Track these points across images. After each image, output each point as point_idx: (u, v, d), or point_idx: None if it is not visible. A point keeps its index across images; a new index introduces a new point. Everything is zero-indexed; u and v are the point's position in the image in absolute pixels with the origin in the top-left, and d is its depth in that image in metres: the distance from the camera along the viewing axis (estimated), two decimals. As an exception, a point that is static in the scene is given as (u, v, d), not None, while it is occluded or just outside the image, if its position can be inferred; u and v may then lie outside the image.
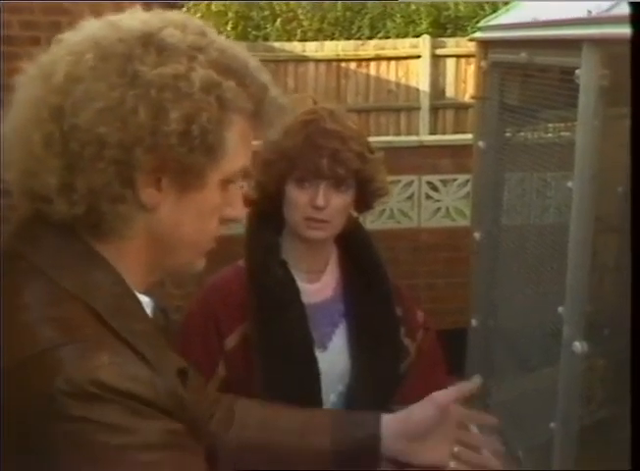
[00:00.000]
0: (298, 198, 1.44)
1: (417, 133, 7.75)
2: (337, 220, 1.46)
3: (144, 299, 0.89)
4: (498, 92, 2.11)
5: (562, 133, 1.79)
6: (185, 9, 8.39)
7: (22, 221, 0.85)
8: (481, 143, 2.19)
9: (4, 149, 0.83)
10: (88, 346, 0.74)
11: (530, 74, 1.88)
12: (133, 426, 0.72)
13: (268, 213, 1.51)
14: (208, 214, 0.87)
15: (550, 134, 1.92)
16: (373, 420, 1.13)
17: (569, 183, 1.56)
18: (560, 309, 1.61)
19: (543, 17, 1.74)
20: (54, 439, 0.70)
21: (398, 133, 7.87)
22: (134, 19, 0.84)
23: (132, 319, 0.82)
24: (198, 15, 8.64)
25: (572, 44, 1.53)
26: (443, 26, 9.76)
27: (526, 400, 2.02)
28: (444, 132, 7.80)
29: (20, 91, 0.83)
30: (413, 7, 9.99)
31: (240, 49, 0.87)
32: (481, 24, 2.20)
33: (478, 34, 2.18)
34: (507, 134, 2.15)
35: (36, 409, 0.71)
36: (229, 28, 8.63)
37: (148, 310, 0.90)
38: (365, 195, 1.51)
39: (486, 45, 2.14)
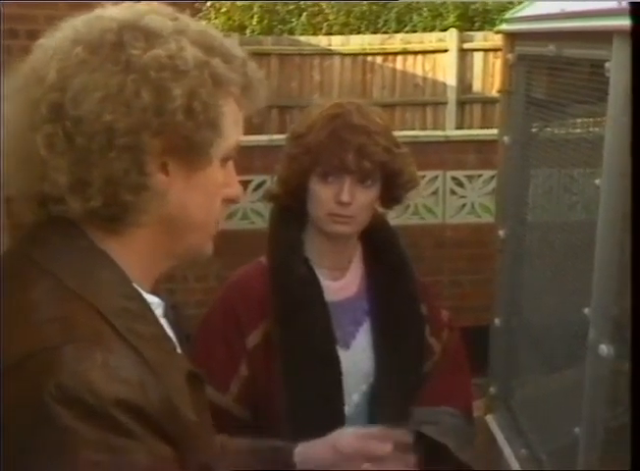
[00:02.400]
0: (323, 194, 1.41)
1: (443, 128, 7.69)
2: (362, 215, 1.43)
3: (154, 300, 0.88)
4: (524, 86, 2.06)
5: (591, 129, 1.73)
6: (209, 4, 8.41)
7: (31, 225, 0.85)
8: (506, 138, 2.14)
9: (4, 160, 0.83)
10: (84, 346, 0.73)
11: (558, 67, 1.83)
12: (118, 445, 0.71)
13: (291, 209, 1.49)
14: (213, 194, 0.89)
15: (578, 130, 1.86)
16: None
17: (597, 181, 1.51)
18: (586, 310, 1.56)
19: (571, 7, 1.69)
20: (38, 444, 0.69)
21: (424, 128, 7.81)
22: (112, 11, 0.84)
23: (137, 321, 0.81)
24: (224, 9, 8.66)
25: (602, 36, 1.47)
26: (470, 20, 9.67)
27: (550, 402, 1.97)
28: (470, 127, 7.72)
29: (8, 102, 0.83)
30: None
31: (213, 29, 0.89)
32: (508, 15, 2.15)
33: (504, 26, 2.13)
34: (534, 130, 2.10)
35: (28, 411, 0.70)
36: (254, 22, 8.63)
37: (159, 311, 0.89)
38: (393, 189, 1.48)
39: (513, 38, 2.08)
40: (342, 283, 1.50)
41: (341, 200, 1.39)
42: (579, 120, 1.85)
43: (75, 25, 0.84)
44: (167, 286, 4.27)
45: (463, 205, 4.46)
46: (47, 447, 0.70)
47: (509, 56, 2.07)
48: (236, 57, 0.87)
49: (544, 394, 2.03)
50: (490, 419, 2.32)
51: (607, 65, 1.44)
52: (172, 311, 0.95)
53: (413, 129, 7.68)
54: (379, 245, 1.54)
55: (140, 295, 0.85)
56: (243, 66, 0.88)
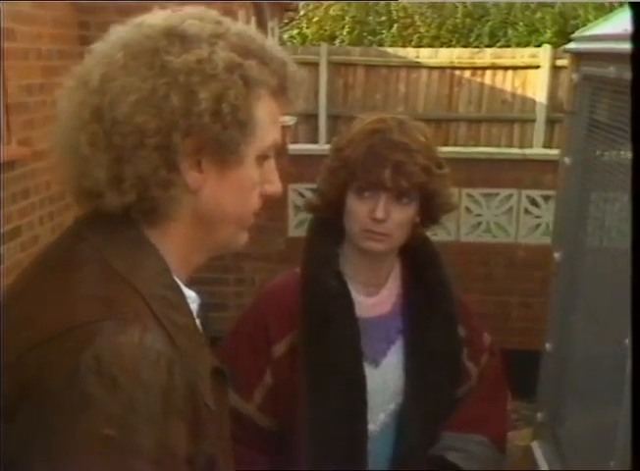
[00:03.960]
0: (358, 209, 1.39)
1: (531, 146, 7.51)
2: (397, 233, 1.40)
3: (191, 295, 0.92)
4: (588, 108, 2.00)
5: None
6: (302, 12, 8.54)
7: (84, 213, 0.91)
8: (567, 159, 2.09)
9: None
10: (124, 323, 0.78)
11: (620, 90, 1.77)
12: (129, 424, 0.75)
13: (329, 222, 1.47)
14: (248, 190, 0.91)
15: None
16: None
17: None
18: (627, 341, 1.51)
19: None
20: (63, 405, 0.74)
21: (510, 145, 7.66)
22: (157, 17, 0.89)
23: (173, 310, 0.85)
24: (316, 19, 8.78)
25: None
26: (568, 36, 9.39)
27: (592, 434, 1.90)
28: (559, 147, 7.49)
29: (62, 102, 0.89)
30: (539, 14, 9.69)
31: (255, 32, 0.92)
32: (575, 34, 2.09)
33: (571, 45, 2.08)
34: (597, 152, 2.03)
35: (63, 377, 0.75)
36: (345, 33, 8.70)
37: (194, 305, 0.93)
38: (430, 210, 1.44)
39: (578, 57, 2.03)
40: (376, 299, 1.47)
41: (375, 217, 1.37)
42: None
43: (120, 31, 0.89)
44: (237, 289, 4.41)
45: (538, 225, 4.34)
46: (68, 409, 0.74)
47: (574, 76, 2.02)
48: (274, 58, 0.90)
49: (588, 425, 1.97)
50: (535, 446, 2.26)
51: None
52: (201, 309, 0.98)
53: (499, 145, 7.55)
54: (418, 263, 1.50)
55: (179, 287, 0.89)
56: (282, 67, 0.90)
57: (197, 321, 0.93)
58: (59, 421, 0.74)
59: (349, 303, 1.42)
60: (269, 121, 0.90)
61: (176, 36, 0.85)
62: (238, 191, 0.90)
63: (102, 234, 0.87)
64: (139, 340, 0.77)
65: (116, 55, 0.85)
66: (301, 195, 4.30)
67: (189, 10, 0.90)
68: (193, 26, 0.86)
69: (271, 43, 0.92)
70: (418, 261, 1.50)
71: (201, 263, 0.96)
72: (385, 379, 1.44)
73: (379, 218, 1.37)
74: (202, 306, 0.98)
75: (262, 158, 0.91)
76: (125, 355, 0.76)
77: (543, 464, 2.19)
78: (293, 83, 0.92)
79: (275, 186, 0.96)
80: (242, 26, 0.93)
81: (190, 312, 0.90)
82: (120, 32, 0.89)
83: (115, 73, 0.84)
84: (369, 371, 1.42)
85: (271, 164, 0.95)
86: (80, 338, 0.76)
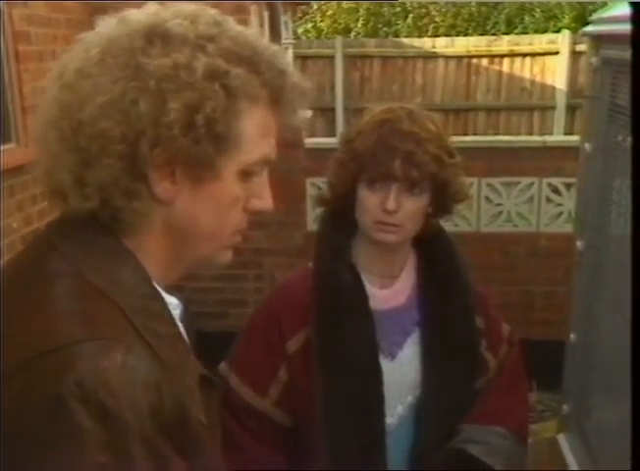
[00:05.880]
0: (369, 201, 1.37)
1: (551, 133, 7.42)
2: (409, 224, 1.38)
3: (172, 301, 0.88)
4: (608, 92, 1.95)
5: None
6: (315, 6, 8.50)
7: (58, 216, 0.86)
8: (587, 146, 2.04)
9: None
10: (105, 345, 0.74)
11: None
12: (125, 450, 0.72)
13: (341, 214, 1.45)
14: (227, 206, 0.85)
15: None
16: None
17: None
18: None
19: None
20: (51, 437, 0.70)
21: (530, 133, 7.58)
22: (145, 13, 0.83)
23: (156, 321, 0.81)
24: (330, 12, 8.73)
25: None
26: (587, 22, 9.26)
27: (622, 427, 1.86)
28: (580, 133, 7.38)
29: (46, 90, 0.84)
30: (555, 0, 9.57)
31: (255, 36, 0.84)
32: (594, 16, 2.04)
33: (590, 28, 2.02)
34: (618, 138, 1.98)
35: (45, 403, 0.71)
36: (359, 25, 8.65)
37: (177, 312, 0.88)
38: (443, 200, 1.42)
39: (597, 40, 1.98)
40: (390, 291, 1.45)
41: (386, 208, 1.34)
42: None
43: (109, 23, 0.83)
44: (256, 284, 4.40)
45: (560, 213, 4.28)
46: (58, 442, 0.70)
47: (593, 60, 1.97)
48: (272, 67, 0.83)
49: (615, 417, 1.92)
50: (562, 439, 2.22)
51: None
52: (183, 312, 0.94)
53: (519, 133, 7.47)
54: (433, 254, 1.47)
55: (160, 295, 0.84)
56: (280, 77, 0.83)
57: (181, 327, 0.89)
58: (50, 455, 0.70)
59: (364, 296, 1.40)
60: (258, 134, 0.83)
61: (157, 36, 0.78)
62: (214, 207, 0.83)
63: (74, 242, 0.82)
64: (123, 361, 0.73)
65: (94, 50, 0.79)
66: (319, 189, 4.28)
67: (187, 6, 0.83)
68: (179, 26, 0.79)
69: (274, 49, 0.84)
70: (433, 252, 1.48)
71: (180, 277, 0.90)
72: (401, 372, 1.42)
73: (390, 209, 1.34)
74: (185, 310, 0.93)
75: (247, 173, 0.84)
76: (109, 379, 0.71)
77: (569, 457, 2.16)
78: (293, 95, 0.85)
79: (265, 203, 0.89)
80: (244, 29, 0.85)
81: (173, 320, 0.86)
82: (107, 26, 0.82)
83: (89, 69, 0.79)
84: (385, 364, 1.40)
85: (262, 179, 0.87)
86: (61, 361, 0.72)
